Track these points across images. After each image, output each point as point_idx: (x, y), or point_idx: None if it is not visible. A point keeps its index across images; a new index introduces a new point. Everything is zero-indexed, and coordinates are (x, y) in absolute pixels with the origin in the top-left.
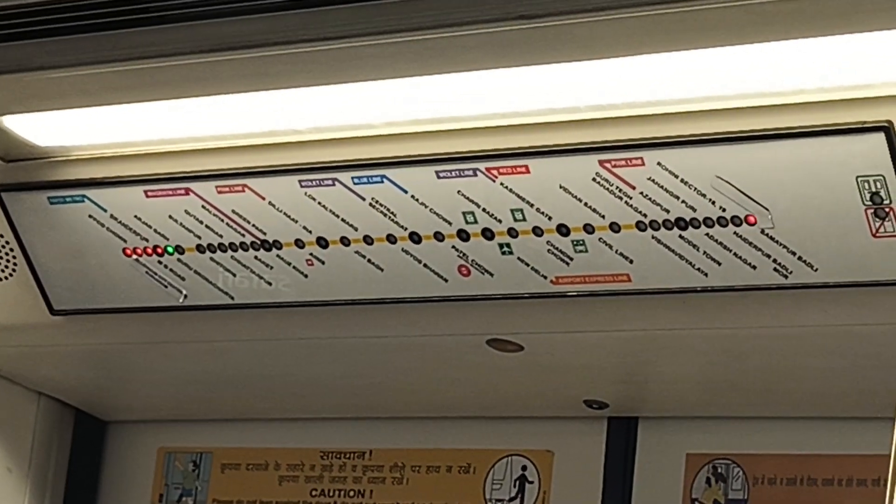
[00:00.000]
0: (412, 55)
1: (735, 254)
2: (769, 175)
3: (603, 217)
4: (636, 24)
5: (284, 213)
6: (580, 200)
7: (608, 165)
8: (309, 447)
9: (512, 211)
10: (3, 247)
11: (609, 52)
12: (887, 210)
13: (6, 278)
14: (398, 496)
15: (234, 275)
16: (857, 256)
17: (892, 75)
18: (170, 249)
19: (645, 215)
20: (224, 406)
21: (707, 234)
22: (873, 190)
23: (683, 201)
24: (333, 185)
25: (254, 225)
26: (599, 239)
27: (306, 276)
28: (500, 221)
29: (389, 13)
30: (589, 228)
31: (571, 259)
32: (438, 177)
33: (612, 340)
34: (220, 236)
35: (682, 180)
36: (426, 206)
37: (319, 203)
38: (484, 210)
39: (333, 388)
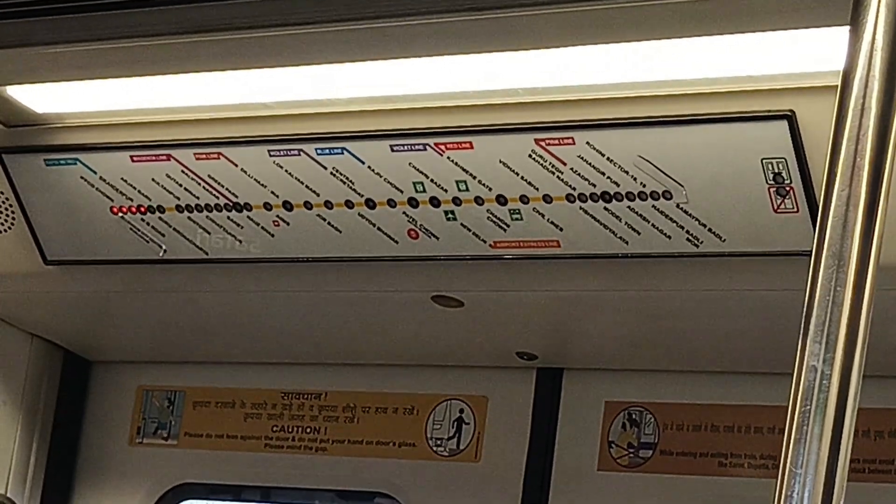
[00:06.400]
0: (371, 41)
1: (653, 225)
2: (685, 155)
3: (537, 189)
4: (570, 18)
5: (254, 179)
6: (517, 174)
7: (543, 143)
8: (271, 388)
9: (457, 182)
10: (3, 203)
11: (545, 42)
12: (787, 189)
13: (5, 231)
14: (350, 433)
15: (209, 233)
16: (761, 229)
17: (795, 68)
18: (152, 208)
19: (574, 189)
20: (197, 350)
21: (629, 207)
22: (776, 171)
23: (608, 177)
24: (299, 155)
25: (227, 189)
26: (533, 209)
27: (273, 235)
28: (446, 191)
29: (351, 3)
30: (524, 199)
31: (508, 226)
32: (392, 150)
33: (543, 299)
34: (197, 198)
35: (608, 158)
36: (381, 176)
37: (286, 171)
38: (432, 181)
39: (294, 336)
